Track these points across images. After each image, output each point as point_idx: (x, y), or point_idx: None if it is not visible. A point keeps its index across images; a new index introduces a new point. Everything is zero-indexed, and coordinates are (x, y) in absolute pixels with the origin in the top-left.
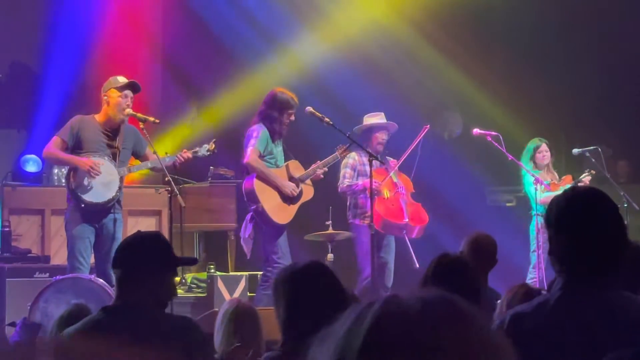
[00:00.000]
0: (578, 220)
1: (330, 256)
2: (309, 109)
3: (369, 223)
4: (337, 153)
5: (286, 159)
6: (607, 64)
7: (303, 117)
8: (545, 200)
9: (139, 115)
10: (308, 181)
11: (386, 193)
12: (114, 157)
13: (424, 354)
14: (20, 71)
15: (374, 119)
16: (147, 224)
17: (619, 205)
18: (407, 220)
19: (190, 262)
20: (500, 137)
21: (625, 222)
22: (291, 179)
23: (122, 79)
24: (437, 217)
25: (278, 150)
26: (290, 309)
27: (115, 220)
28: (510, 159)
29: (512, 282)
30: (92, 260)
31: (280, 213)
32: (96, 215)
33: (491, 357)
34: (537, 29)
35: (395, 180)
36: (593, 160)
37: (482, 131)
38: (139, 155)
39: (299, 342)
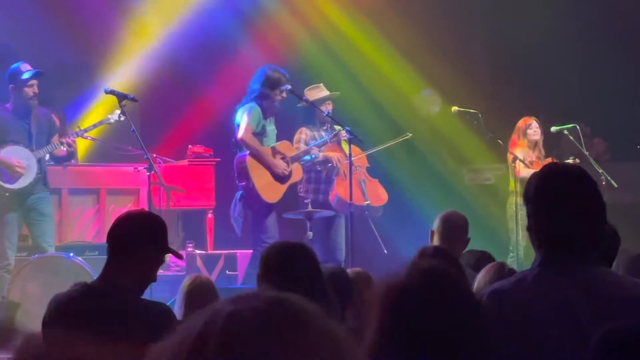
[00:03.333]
0: (556, 196)
1: (310, 234)
2: (288, 86)
3: (323, 200)
4: (327, 139)
5: (278, 138)
6: (585, 43)
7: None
8: (525, 176)
9: (117, 92)
10: (297, 162)
11: (343, 174)
12: (29, 142)
13: None
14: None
15: (315, 91)
16: (125, 203)
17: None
18: (368, 201)
19: (179, 256)
20: (480, 115)
21: (604, 200)
22: (281, 158)
23: (25, 68)
24: (414, 197)
25: (270, 129)
26: (273, 285)
27: (41, 199)
28: (489, 137)
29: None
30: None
31: (270, 192)
32: (20, 198)
33: (335, 355)
34: (516, 9)
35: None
36: (571, 137)
37: (461, 109)
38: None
39: None
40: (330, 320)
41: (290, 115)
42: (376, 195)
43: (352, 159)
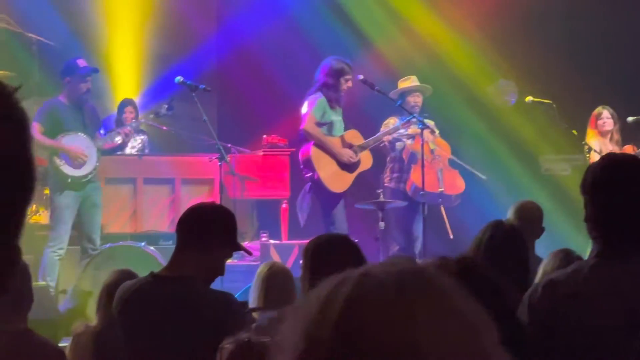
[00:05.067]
0: (612, 187)
1: (381, 224)
2: (360, 77)
3: (404, 189)
4: (399, 125)
5: (345, 128)
6: None
7: (359, 87)
8: None
9: (189, 82)
10: (367, 150)
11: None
12: (84, 132)
13: (399, 334)
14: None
15: (406, 82)
16: (200, 192)
17: None
18: (442, 189)
19: (248, 253)
20: (554, 106)
21: None
22: (350, 147)
23: (82, 64)
24: (488, 186)
25: (337, 119)
26: (311, 277)
27: (96, 189)
28: (564, 127)
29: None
30: None
31: (336, 181)
32: (79, 186)
33: (470, 335)
34: None
35: (432, 147)
36: None
37: (535, 99)
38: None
39: None
40: (467, 298)
41: (380, 105)
42: (453, 184)
43: (435, 148)
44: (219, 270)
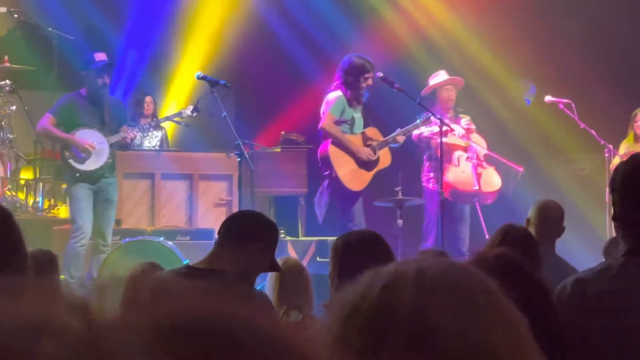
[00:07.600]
0: None
1: (399, 222)
2: (380, 74)
3: (439, 189)
4: (419, 122)
5: (365, 125)
6: None
7: (380, 85)
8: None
9: (209, 77)
10: (386, 148)
11: (456, 160)
12: (102, 127)
13: (424, 320)
14: (95, 34)
15: (437, 78)
16: (218, 188)
17: None
18: (477, 187)
19: (279, 270)
20: (573, 105)
21: None
22: (368, 145)
23: (98, 58)
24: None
25: (357, 116)
26: (340, 274)
27: (110, 184)
28: (582, 127)
29: (592, 252)
30: None
31: (355, 180)
32: (91, 180)
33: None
34: None
35: (464, 144)
36: None
37: (554, 99)
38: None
39: None
40: (504, 298)
41: (403, 102)
42: (489, 181)
43: (471, 144)
44: (250, 277)
